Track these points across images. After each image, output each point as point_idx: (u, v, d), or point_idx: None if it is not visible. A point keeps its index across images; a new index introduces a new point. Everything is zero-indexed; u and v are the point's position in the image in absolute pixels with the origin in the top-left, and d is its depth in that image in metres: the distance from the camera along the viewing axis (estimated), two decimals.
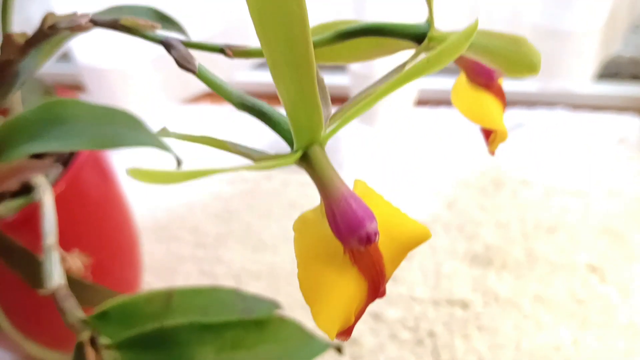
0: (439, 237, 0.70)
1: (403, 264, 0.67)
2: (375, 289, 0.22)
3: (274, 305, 0.41)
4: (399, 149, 0.81)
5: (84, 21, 0.25)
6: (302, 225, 0.22)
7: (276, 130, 0.22)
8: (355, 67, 0.74)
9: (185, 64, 0.23)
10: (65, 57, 0.96)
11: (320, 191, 0.21)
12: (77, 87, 0.92)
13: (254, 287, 0.66)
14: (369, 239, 0.20)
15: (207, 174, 0.19)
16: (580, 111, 0.81)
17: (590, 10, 0.68)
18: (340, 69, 0.90)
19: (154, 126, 0.41)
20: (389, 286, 0.65)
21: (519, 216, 0.70)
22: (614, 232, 0.67)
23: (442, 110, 0.84)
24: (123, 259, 0.60)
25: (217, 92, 0.23)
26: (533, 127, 0.81)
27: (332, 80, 0.89)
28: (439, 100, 0.85)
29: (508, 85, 0.84)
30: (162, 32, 0.25)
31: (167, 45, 0.23)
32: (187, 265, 0.69)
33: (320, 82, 0.24)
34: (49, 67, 0.98)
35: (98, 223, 0.55)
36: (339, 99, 0.86)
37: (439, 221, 0.71)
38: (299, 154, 0.22)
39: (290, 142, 0.22)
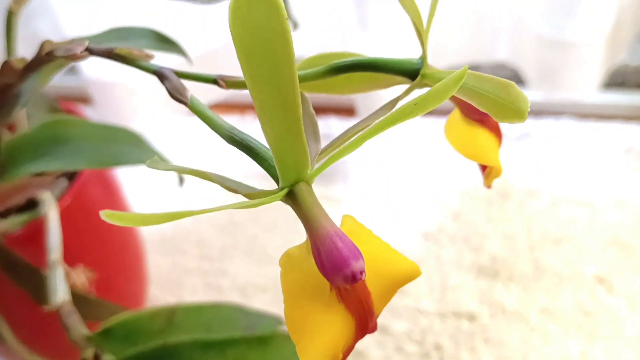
0: (445, 248, 0.69)
1: None
2: (364, 325, 0.22)
3: (278, 321, 0.41)
4: (404, 159, 0.81)
5: (79, 50, 0.25)
6: (288, 261, 0.22)
7: (263, 166, 0.22)
8: None
9: (177, 96, 0.23)
10: (73, 70, 0.97)
11: (306, 228, 0.21)
12: (84, 99, 0.92)
13: (259, 299, 0.66)
14: (354, 278, 0.20)
15: (183, 216, 0.19)
16: (586, 121, 0.81)
17: (594, 20, 0.68)
18: None
19: (159, 139, 0.41)
20: (395, 298, 0.65)
21: (525, 227, 0.70)
22: (621, 242, 0.67)
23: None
24: (128, 273, 0.60)
25: (208, 124, 0.23)
26: (539, 137, 0.80)
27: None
28: (445, 111, 0.85)
29: None
30: (158, 61, 0.25)
31: (160, 75, 0.23)
32: (193, 278, 0.70)
33: (311, 116, 0.24)
34: (56, 80, 0.99)
35: (103, 237, 0.56)
36: (343, 109, 0.87)
37: (445, 233, 0.71)
38: (284, 192, 0.22)
39: (276, 178, 0.22)
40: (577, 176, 0.74)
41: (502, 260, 0.67)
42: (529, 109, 0.71)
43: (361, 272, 0.20)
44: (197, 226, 0.76)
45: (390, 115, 0.20)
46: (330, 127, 0.87)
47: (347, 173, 0.80)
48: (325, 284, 0.21)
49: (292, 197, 0.21)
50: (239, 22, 0.18)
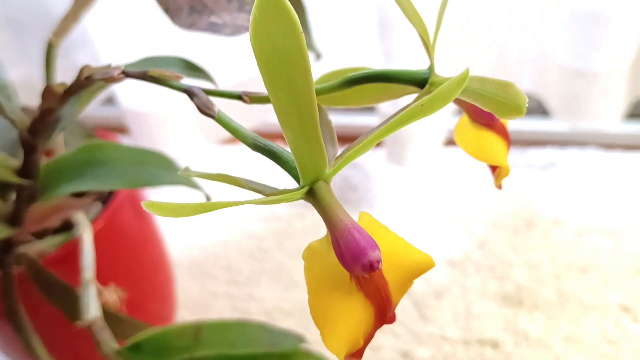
0: (470, 277, 0.70)
1: (433, 303, 0.67)
2: (382, 314, 0.23)
3: (300, 339, 0.42)
4: (430, 188, 0.82)
5: (116, 73, 0.28)
6: (310, 254, 0.23)
7: (285, 168, 0.24)
8: (384, 107, 0.76)
9: (205, 110, 0.25)
10: (110, 101, 1.01)
11: (326, 223, 0.23)
12: (121, 129, 0.96)
13: (284, 324, 0.67)
14: (371, 266, 0.22)
15: (216, 208, 0.21)
16: (611, 151, 0.81)
17: (617, 50, 0.69)
18: (370, 110, 0.92)
19: (191, 165, 0.43)
20: (419, 325, 0.65)
21: (550, 256, 0.70)
22: None
23: None
24: (157, 295, 0.62)
25: (234, 134, 0.25)
26: (565, 167, 0.81)
27: (363, 120, 0.92)
28: None
29: (540, 125, 0.85)
30: (187, 82, 0.27)
31: (190, 93, 0.25)
32: (221, 302, 0.71)
33: (328, 124, 0.26)
34: (95, 111, 1.03)
35: (134, 259, 0.57)
36: None
37: (470, 261, 0.72)
38: (305, 190, 0.23)
39: (297, 178, 0.24)
40: (602, 205, 0.75)
41: (526, 289, 0.67)
42: (555, 139, 0.71)
43: (378, 261, 0.22)
44: (226, 252, 0.78)
45: (399, 117, 0.21)
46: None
47: (373, 201, 0.81)
48: (346, 274, 0.23)
49: (312, 195, 0.23)
50: (259, 37, 0.20)
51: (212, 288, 0.73)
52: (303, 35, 0.20)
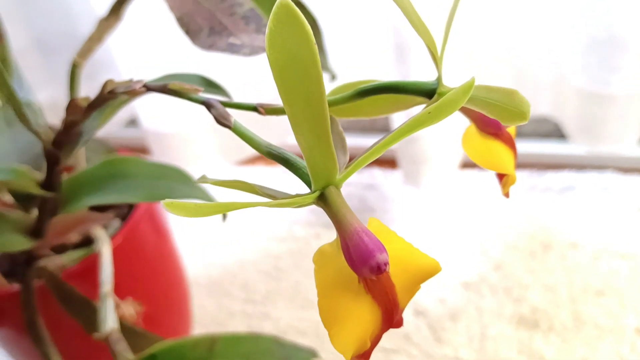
0: (485, 298, 0.70)
1: (448, 324, 0.67)
2: (389, 316, 0.24)
3: (312, 353, 0.42)
4: (447, 210, 0.82)
5: (138, 86, 0.29)
6: (320, 257, 0.24)
7: (297, 174, 0.25)
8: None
9: (222, 121, 0.26)
10: (133, 123, 1.03)
11: (336, 226, 0.24)
12: (143, 150, 0.98)
13: (299, 342, 0.67)
14: (379, 268, 0.22)
15: (232, 208, 0.22)
16: (630, 174, 0.81)
17: (634, 74, 0.69)
18: (385, 128, 0.93)
19: (211, 189, 0.45)
20: (434, 347, 0.65)
21: (566, 279, 0.70)
22: None
23: (490, 173, 0.85)
24: (174, 311, 0.63)
25: (249, 143, 0.26)
26: (583, 191, 0.81)
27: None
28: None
29: (558, 148, 0.85)
30: (205, 95, 0.28)
31: (208, 105, 0.26)
32: (237, 320, 0.72)
33: (340, 133, 0.26)
34: (118, 132, 1.06)
35: (151, 275, 0.58)
36: (386, 161, 0.89)
37: (486, 283, 0.72)
38: (316, 194, 0.24)
39: (309, 184, 0.24)
40: (619, 229, 0.74)
41: (542, 311, 0.67)
42: (573, 162, 0.71)
43: (385, 264, 0.22)
44: (243, 270, 0.78)
45: (407, 124, 0.22)
46: (374, 177, 0.90)
47: (390, 222, 0.82)
48: (354, 277, 0.23)
49: (323, 199, 0.24)
50: (274, 48, 0.21)
51: (228, 306, 0.74)
52: (316, 46, 0.21)
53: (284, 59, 0.21)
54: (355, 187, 0.89)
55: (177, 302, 0.63)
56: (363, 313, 0.23)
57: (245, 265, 0.79)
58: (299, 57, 0.21)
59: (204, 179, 0.26)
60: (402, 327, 0.67)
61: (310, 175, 0.24)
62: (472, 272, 0.73)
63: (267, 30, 0.21)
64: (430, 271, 0.25)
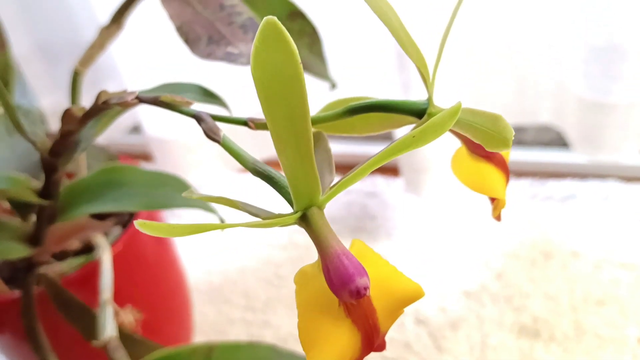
0: (486, 307, 0.70)
1: (449, 334, 0.67)
2: (369, 341, 0.24)
3: None
4: (448, 218, 0.82)
5: (130, 98, 0.29)
6: (301, 278, 0.24)
7: (280, 193, 0.25)
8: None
9: (211, 135, 0.26)
10: (137, 130, 1.03)
11: (317, 248, 0.23)
12: (146, 157, 0.98)
13: (300, 351, 0.67)
14: (358, 293, 0.22)
15: (206, 230, 0.22)
16: (632, 183, 0.81)
17: (635, 82, 0.69)
18: (386, 136, 0.93)
19: (210, 193, 0.45)
20: (435, 356, 0.65)
21: (568, 288, 0.70)
22: None
23: None
24: (174, 319, 0.63)
25: (236, 158, 0.26)
26: (584, 199, 0.81)
27: (381, 149, 0.92)
28: None
29: (559, 157, 0.85)
30: (201, 108, 0.28)
31: (198, 118, 0.27)
32: (237, 328, 0.72)
33: (327, 152, 0.26)
34: (121, 139, 1.06)
35: (152, 283, 0.58)
36: (389, 169, 0.89)
37: (487, 292, 0.71)
38: (298, 215, 0.24)
39: (292, 203, 0.24)
40: (621, 238, 0.74)
41: (543, 321, 0.67)
42: (574, 171, 0.71)
43: (365, 288, 0.22)
44: (243, 278, 0.78)
45: (391, 147, 0.22)
46: (376, 185, 0.90)
47: (391, 230, 0.82)
48: (335, 299, 0.23)
49: (305, 220, 0.24)
50: (259, 66, 0.21)
51: (228, 314, 0.74)
52: (301, 66, 0.21)
53: (268, 78, 0.21)
54: (357, 194, 0.89)
55: (177, 309, 0.63)
56: (342, 337, 0.23)
57: (245, 272, 0.79)
58: (284, 77, 0.21)
59: (190, 192, 0.26)
60: (403, 336, 0.67)
61: (292, 196, 0.24)
62: (473, 280, 0.73)
63: (252, 48, 0.21)
64: (413, 296, 0.24)
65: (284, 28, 0.20)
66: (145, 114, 0.87)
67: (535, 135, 0.89)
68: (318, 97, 0.44)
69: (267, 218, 0.24)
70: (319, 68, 0.52)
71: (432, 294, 0.72)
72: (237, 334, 0.71)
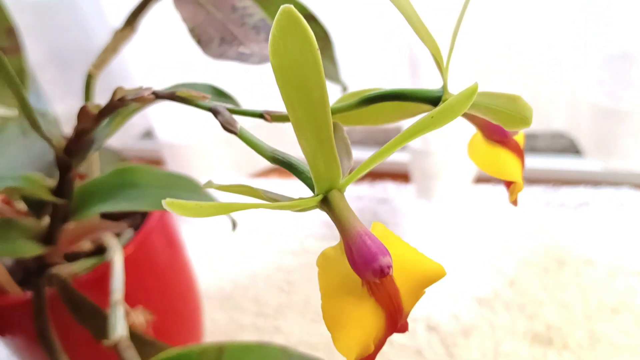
0: (499, 315, 0.69)
1: (461, 341, 0.67)
2: (393, 320, 0.24)
3: None
4: (460, 226, 0.82)
5: (146, 94, 0.29)
6: (324, 261, 0.24)
7: (301, 178, 0.25)
8: (413, 144, 0.77)
9: (228, 127, 0.26)
10: (150, 135, 1.04)
11: (339, 230, 0.24)
12: (158, 162, 0.99)
13: (311, 354, 0.67)
14: (382, 271, 0.22)
15: (234, 209, 0.22)
16: None
17: None
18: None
19: (224, 197, 0.45)
20: None
21: (581, 296, 0.69)
22: None
23: (504, 188, 0.85)
24: (184, 324, 0.63)
25: (253, 148, 0.26)
26: (598, 207, 0.80)
27: (393, 157, 0.93)
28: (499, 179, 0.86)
29: (573, 164, 0.85)
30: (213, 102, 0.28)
31: (215, 111, 0.27)
32: (248, 333, 0.72)
33: (344, 139, 0.27)
34: (134, 144, 1.07)
35: (162, 287, 0.58)
36: (400, 175, 0.89)
37: (500, 299, 0.71)
38: (319, 198, 0.24)
39: (312, 188, 0.25)
40: (635, 246, 0.73)
41: (556, 329, 0.66)
42: (588, 178, 0.70)
43: (388, 266, 0.22)
44: (254, 284, 0.78)
45: (410, 128, 0.22)
46: (387, 190, 0.90)
47: (402, 236, 0.81)
48: (358, 280, 0.23)
49: (326, 203, 0.24)
50: (277, 53, 0.21)
51: (239, 320, 0.74)
52: (318, 50, 0.21)
53: (287, 65, 0.21)
54: (368, 201, 0.89)
55: (188, 314, 0.63)
56: (366, 316, 0.23)
57: (256, 279, 0.79)
58: (302, 62, 0.21)
59: (209, 184, 0.26)
60: (414, 343, 0.67)
61: (313, 179, 0.24)
62: (485, 287, 0.73)
63: (270, 36, 0.21)
64: (435, 276, 0.24)
65: (300, 15, 0.20)
66: (157, 119, 0.87)
67: (549, 143, 0.89)
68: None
69: (289, 201, 0.24)
70: (330, 71, 0.52)
71: (444, 300, 0.72)
72: (247, 339, 0.71)
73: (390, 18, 0.75)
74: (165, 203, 0.20)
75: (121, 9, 0.45)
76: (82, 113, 0.32)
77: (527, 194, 0.85)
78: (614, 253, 0.73)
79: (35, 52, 0.91)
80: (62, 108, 0.95)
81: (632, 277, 0.70)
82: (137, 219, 0.59)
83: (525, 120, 0.24)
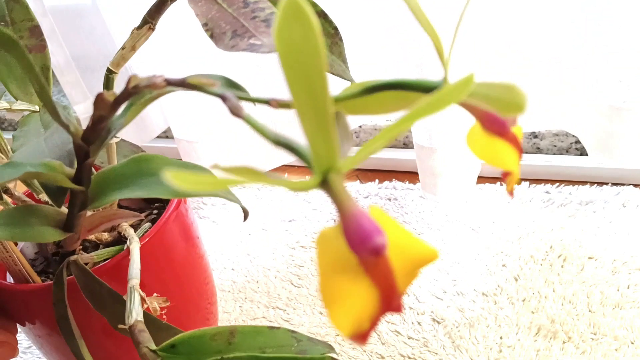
0: (504, 309, 0.70)
1: (466, 333, 0.68)
2: (387, 299, 0.25)
3: (328, 348, 0.44)
4: (466, 222, 0.84)
5: (159, 80, 0.31)
6: (322, 240, 0.25)
7: (303, 161, 0.27)
8: (419, 140, 0.78)
9: (235, 112, 0.28)
10: (166, 133, 1.07)
11: (337, 210, 0.25)
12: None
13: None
14: (377, 250, 0.23)
15: (234, 183, 0.23)
16: None
17: None
18: (409, 143, 0.94)
19: (235, 192, 0.47)
20: (451, 356, 0.66)
21: (585, 292, 0.70)
22: None
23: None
24: (198, 314, 0.65)
25: (258, 132, 0.28)
26: (601, 204, 0.81)
27: (400, 155, 0.95)
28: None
29: (577, 162, 0.86)
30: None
31: (223, 97, 0.28)
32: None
33: (346, 126, 0.28)
34: (153, 142, 1.09)
35: (178, 278, 0.60)
36: (409, 172, 0.91)
37: (504, 293, 0.72)
38: (319, 178, 0.26)
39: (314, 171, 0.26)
40: (638, 243, 0.75)
41: (560, 323, 0.67)
42: (592, 177, 0.71)
43: (383, 245, 0.23)
44: (266, 278, 0.80)
45: (409, 113, 0.23)
46: (395, 188, 0.91)
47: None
48: (353, 259, 0.24)
49: (325, 184, 0.25)
50: (282, 40, 0.23)
51: (250, 312, 0.76)
52: (322, 37, 0.23)
53: (290, 50, 0.23)
54: (376, 199, 0.91)
55: (203, 305, 0.64)
56: (361, 294, 0.24)
57: (268, 273, 0.81)
58: (304, 46, 0.23)
59: (216, 166, 0.27)
60: (421, 336, 0.68)
61: (312, 161, 0.25)
62: (490, 282, 0.74)
63: (275, 23, 0.23)
64: (428, 257, 0.26)
65: (304, 3, 0.22)
66: (174, 117, 0.90)
67: (553, 141, 0.90)
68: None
69: (291, 182, 0.25)
70: (340, 68, 0.54)
71: (450, 294, 0.74)
72: None
73: (394, 15, 0.76)
74: (168, 174, 0.21)
75: (143, 12, 0.47)
76: (99, 100, 0.34)
77: (532, 191, 0.86)
78: (617, 251, 0.74)
79: (56, 55, 0.94)
80: (81, 109, 0.98)
81: (636, 273, 0.71)
82: (153, 214, 0.61)
83: (519, 106, 0.26)
